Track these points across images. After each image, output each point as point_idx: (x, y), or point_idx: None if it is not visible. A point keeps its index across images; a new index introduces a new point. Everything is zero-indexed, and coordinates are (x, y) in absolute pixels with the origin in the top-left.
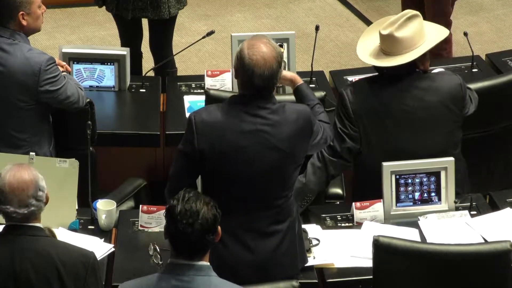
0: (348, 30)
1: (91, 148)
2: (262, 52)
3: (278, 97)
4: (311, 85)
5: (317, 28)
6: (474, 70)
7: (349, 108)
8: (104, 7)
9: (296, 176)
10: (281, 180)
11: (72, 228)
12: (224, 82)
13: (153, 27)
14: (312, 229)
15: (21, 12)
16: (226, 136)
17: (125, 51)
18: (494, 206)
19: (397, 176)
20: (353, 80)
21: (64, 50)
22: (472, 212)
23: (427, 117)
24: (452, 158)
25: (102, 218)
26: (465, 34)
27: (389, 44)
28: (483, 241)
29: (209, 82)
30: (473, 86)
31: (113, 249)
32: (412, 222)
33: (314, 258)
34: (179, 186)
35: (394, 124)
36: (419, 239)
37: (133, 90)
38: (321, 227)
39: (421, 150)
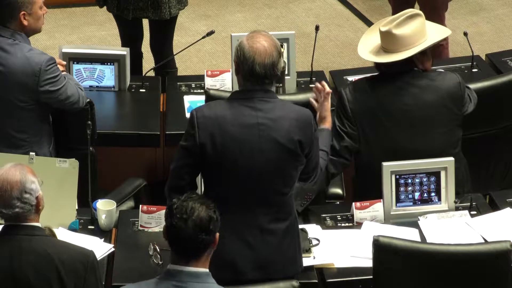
0: (348, 30)
1: (91, 148)
2: (262, 41)
3: (278, 97)
4: (311, 85)
5: (317, 28)
6: (474, 70)
7: (347, 108)
8: (105, 7)
9: (297, 176)
10: (281, 175)
11: (72, 228)
12: (224, 82)
13: (154, 27)
14: (312, 229)
15: (22, 12)
16: (227, 128)
17: (125, 51)
18: (494, 206)
19: (397, 176)
20: (353, 80)
21: (64, 50)
22: (472, 212)
23: (426, 115)
24: (452, 158)
25: (102, 218)
26: (465, 34)
27: (388, 41)
28: (483, 241)
29: (209, 82)
30: (473, 86)
31: (113, 249)
32: (412, 222)
33: (314, 258)
34: (179, 182)
35: (392, 123)
36: (419, 239)
37: (133, 90)
38: (321, 227)
39: (420, 149)
